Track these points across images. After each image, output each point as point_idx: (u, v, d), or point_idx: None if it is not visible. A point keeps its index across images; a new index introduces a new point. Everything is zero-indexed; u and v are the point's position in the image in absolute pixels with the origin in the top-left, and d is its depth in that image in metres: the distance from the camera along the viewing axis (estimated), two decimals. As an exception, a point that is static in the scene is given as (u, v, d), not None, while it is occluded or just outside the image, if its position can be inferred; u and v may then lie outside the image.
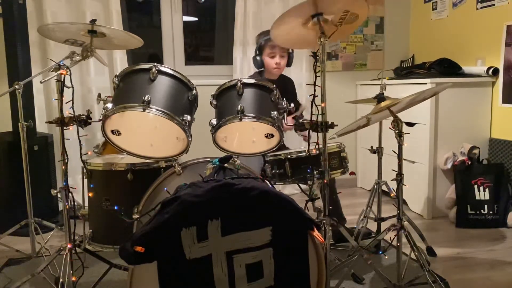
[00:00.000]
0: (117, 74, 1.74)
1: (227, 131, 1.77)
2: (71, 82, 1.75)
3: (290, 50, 2.68)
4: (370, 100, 2.30)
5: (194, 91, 1.77)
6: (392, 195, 2.45)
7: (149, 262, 1.34)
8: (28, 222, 2.42)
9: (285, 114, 1.83)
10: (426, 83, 2.95)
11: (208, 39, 4.27)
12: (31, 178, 2.40)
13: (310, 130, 1.70)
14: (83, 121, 1.78)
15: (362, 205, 2.65)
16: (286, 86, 2.78)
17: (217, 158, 1.66)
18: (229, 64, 3.72)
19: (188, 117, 1.69)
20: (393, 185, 2.01)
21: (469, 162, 2.94)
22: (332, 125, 1.70)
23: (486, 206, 2.87)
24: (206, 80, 3.28)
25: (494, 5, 3.06)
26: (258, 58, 2.62)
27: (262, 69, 2.66)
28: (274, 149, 1.85)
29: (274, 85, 1.78)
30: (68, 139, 1.82)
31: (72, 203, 1.83)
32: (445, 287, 2.00)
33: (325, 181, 1.72)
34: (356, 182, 4.07)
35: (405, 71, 3.54)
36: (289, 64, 2.71)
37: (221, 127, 1.71)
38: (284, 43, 2.40)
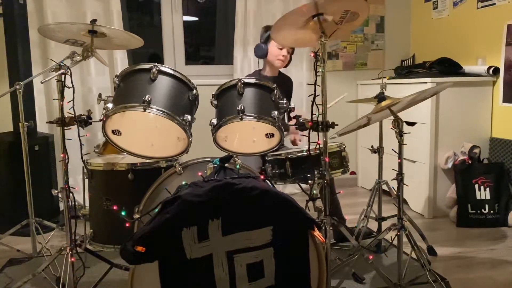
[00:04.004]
0: (118, 74, 1.74)
1: (227, 130, 1.77)
2: (72, 82, 1.75)
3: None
4: (371, 99, 2.30)
5: (194, 91, 1.77)
6: (393, 194, 2.46)
7: (150, 262, 1.34)
8: (29, 222, 2.42)
9: (285, 113, 1.83)
10: (426, 83, 2.94)
11: (209, 38, 4.27)
12: (32, 178, 2.40)
13: (310, 130, 1.71)
14: (84, 121, 1.78)
15: (362, 205, 2.65)
16: (284, 85, 2.78)
17: (217, 158, 1.66)
18: (229, 63, 3.72)
19: (189, 117, 1.69)
20: (394, 184, 2.02)
21: (470, 162, 2.94)
22: (333, 125, 1.70)
23: (486, 206, 2.87)
24: (206, 80, 3.29)
25: (494, 4, 3.06)
26: (263, 45, 2.61)
27: (264, 57, 2.65)
28: (275, 148, 1.85)
29: (275, 85, 1.78)
30: (70, 139, 1.82)
31: (73, 203, 1.83)
32: (446, 287, 1.99)
33: (325, 181, 1.73)
34: (357, 181, 4.07)
35: (406, 70, 3.54)
36: (286, 65, 2.73)
37: (221, 126, 1.71)
38: (285, 43, 2.41)
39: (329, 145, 2.04)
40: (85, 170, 2.01)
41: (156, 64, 1.68)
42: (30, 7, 3.14)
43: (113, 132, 1.75)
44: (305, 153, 2.07)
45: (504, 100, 3.01)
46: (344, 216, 2.61)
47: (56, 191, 1.91)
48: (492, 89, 3.09)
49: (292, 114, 1.87)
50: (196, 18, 4.11)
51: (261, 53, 2.64)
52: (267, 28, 2.70)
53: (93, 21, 1.78)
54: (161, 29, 3.71)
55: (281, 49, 2.62)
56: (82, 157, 1.85)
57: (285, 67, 2.75)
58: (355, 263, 2.00)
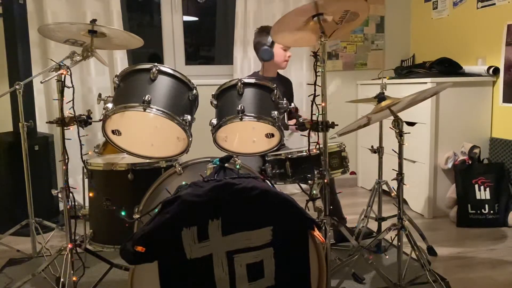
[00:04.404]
0: (118, 74, 1.74)
1: (227, 131, 1.77)
2: (72, 82, 1.75)
3: None
4: (371, 99, 2.29)
5: (194, 91, 1.77)
6: (392, 194, 2.45)
7: (150, 262, 1.34)
8: (29, 222, 2.42)
9: (285, 114, 1.83)
10: (426, 83, 2.94)
11: (209, 38, 4.27)
12: (31, 178, 2.40)
13: (310, 130, 1.71)
14: (84, 121, 1.78)
15: (362, 205, 2.65)
16: (285, 87, 2.78)
17: (217, 158, 1.66)
18: (229, 64, 3.72)
19: (189, 117, 1.69)
20: (394, 184, 2.01)
21: (470, 162, 2.94)
22: (333, 125, 1.70)
23: (486, 206, 2.87)
24: (206, 80, 3.29)
25: (494, 4, 3.06)
26: (270, 48, 2.60)
27: (270, 60, 2.64)
28: (274, 149, 1.85)
29: (275, 85, 1.79)
30: (70, 139, 1.82)
31: (73, 203, 1.83)
32: (446, 287, 2.00)
33: (325, 181, 1.72)
34: (357, 181, 4.07)
35: (406, 70, 3.54)
36: None
37: (221, 127, 1.71)
38: (285, 42, 2.41)
39: (329, 145, 2.04)
40: (85, 170, 2.01)
41: (156, 64, 1.69)
42: (30, 7, 3.14)
43: (113, 132, 1.75)
44: (305, 153, 2.07)
45: (504, 100, 3.01)
46: (344, 216, 2.61)
47: (56, 191, 1.91)
48: (492, 89, 3.09)
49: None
50: (196, 18, 4.11)
51: (269, 56, 2.61)
52: (263, 29, 2.69)
53: (93, 21, 1.78)
54: (161, 29, 3.71)
55: (285, 50, 2.65)
56: (82, 157, 1.85)
57: None
58: (355, 263, 2.00)
